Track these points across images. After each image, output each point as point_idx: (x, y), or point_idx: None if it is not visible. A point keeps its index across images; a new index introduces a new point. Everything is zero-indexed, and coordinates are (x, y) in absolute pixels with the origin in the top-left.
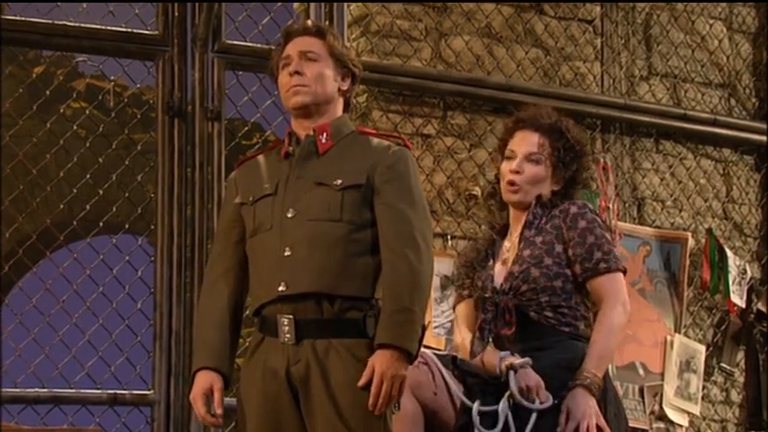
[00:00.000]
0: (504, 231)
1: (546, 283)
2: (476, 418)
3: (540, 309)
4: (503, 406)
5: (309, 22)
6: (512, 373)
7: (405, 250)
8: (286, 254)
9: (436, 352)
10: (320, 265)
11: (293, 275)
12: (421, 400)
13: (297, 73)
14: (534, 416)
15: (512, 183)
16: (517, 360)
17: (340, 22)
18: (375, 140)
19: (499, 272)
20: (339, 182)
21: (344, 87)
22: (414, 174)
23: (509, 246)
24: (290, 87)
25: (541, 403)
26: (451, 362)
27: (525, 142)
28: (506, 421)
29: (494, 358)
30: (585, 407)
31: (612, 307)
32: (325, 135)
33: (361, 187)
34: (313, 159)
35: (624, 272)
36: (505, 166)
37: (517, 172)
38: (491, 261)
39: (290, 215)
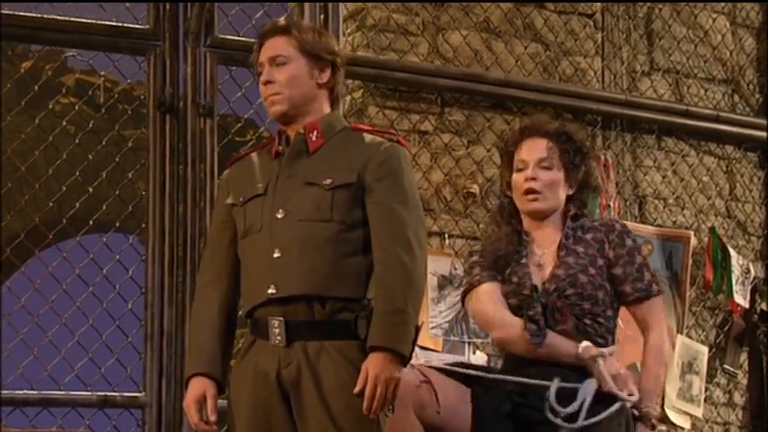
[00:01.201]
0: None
1: (591, 292)
2: (553, 396)
3: (581, 315)
4: (586, 387)
5: (278, 21)
6: (601, 360)
7: (397, 250)
8: (275, 255)
9: (446, 363)
10: (310, 266)
11: (283, 277)
12: (424, 420)
13: (268, 82)
14: (617, 405)
15: (530, 191)
16: (605, 349)
17: (335, 16)
18: (367, 137)
19: (536, 273)
20: (329, 181)
21: (323, 80)
22: (407, 171)
23: (540, 252)
24: (265, 97)
25: (630, 395)
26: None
27: (534, 149)
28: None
29: (571, 346)
30: None
31: (661, 332)
32: (315, 133)
33: (352, 186)
34: (303, 158)
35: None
36: (519, 177)
37: (533, 179)
38: (524, 259)
39: (279, 216)
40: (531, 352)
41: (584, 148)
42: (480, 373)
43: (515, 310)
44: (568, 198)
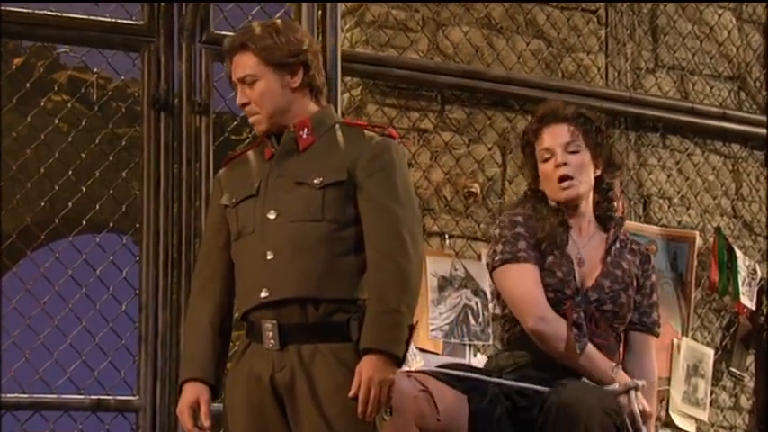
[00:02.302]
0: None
1: (626, 313)
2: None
3: (610, 333)
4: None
5: (237, 36)
6: (634, 392)
7: (390, 249)
8: (268, 257)
9: (440, 365)
10: (303, 268)
11: (275, 280)
12: (425, 429)
13: (244, 104)
14: None
15: (564, 177)
16: (640, 381)
17: (333, 12)
18: (358, 132)
19: (578, 271)
20: (319, 180)
21: (297, 84)
22: (399, 165)
23: (581, 243)
24: (247, 117)
25: None
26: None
27: (557, 135)
28: None
29: (608, 366)
30: None
31: (654, 371)
32: (305, 130)
33: (343, 184)
34: (293, 157)
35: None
36: (548, 167)
37: (564, 164)
38: (567, 249)
39: (271, 217)
40: (569, 356)
41: (603, 127)
42: (471, 374)
43: (550, 305)
44: (599, 180)
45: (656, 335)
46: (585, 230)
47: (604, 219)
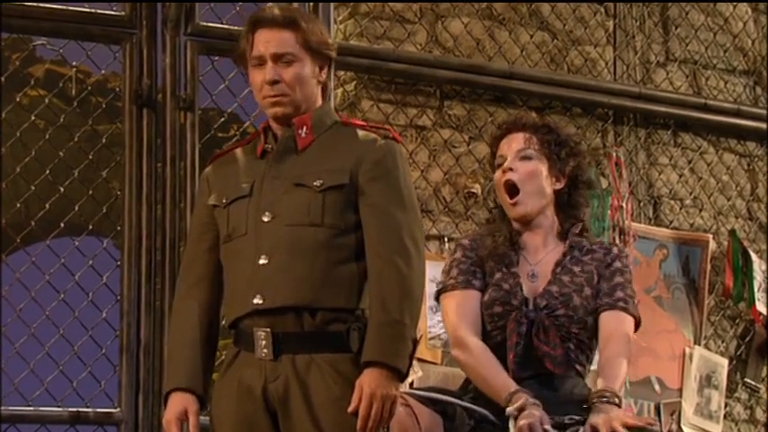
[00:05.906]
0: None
1: (582, 316)
2: None
3: (567, 338)
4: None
5: (279, 11)
6: (512, 421)
7: (393, 257)
8: (262, 262)
9: (418, 391)
10: (300, 275)
11: (270, 287)
12: None
13: (275, 82)
14: None
15: (509, 183)
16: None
17: (326, 2)
18: (360, 133)
19: (527, 284)
20: (319, 182)
21: (323, 78)
22: (402, 169)
23: (534, 261)
24: (266, 96)
25: None
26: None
27: (512, 143)
28: None
29: (504, 390)
30: (609, 414)
31: (621, 341)
32: (305, 129)
33: (344, 188)
34: (291, 156)
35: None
36: (498, 173)
37: (510, 169)
38: (515, 267)
39: (266, 219)
40: (488, 390)
41: (569, 142)
42: (443, 397)
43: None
44: (558, 193)
45: (626, 311)
46: (542, 246)
47: (567, 235)
